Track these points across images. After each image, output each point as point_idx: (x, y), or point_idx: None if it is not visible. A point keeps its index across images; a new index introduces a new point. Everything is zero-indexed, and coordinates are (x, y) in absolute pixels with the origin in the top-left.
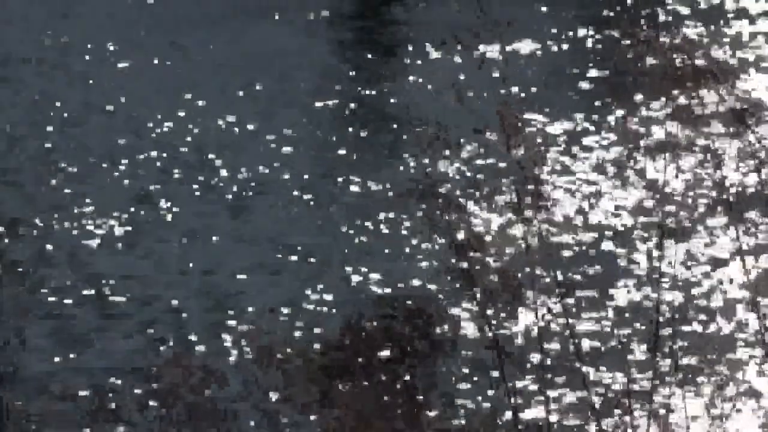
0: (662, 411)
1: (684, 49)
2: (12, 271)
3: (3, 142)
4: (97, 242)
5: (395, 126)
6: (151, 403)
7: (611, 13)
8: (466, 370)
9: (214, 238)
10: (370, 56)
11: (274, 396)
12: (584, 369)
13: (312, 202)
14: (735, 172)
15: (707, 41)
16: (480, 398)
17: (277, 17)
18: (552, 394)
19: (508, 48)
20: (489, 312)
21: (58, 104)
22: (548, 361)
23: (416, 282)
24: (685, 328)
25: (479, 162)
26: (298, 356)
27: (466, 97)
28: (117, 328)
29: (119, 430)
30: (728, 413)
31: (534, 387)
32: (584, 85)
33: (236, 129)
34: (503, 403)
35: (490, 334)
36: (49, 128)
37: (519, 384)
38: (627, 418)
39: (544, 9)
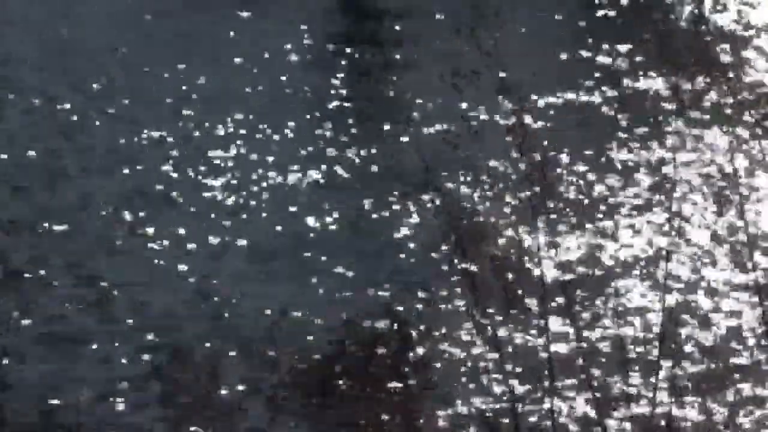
0: (667, 415)
1: (702, 43)
2: (10, 274)
3: (2, 143)
4: (97, 244)
5: (397, 125)
6: (151, 405)
7: (615, 13)
8: (466, 373)
9: (213, 239)
10: (369, 55)
11: (272, 398)
12: (589, 372)
13: (312, 203)
14: (746, 169)
15: (722, 37)
16: (481, 401)
17: (277, 17)
18: (555, 396)
19: (511, 43)
20: (491, 313)
21: (58, 105)
22: (552, 364)
23: (418, 283)
24: (691, 331)
25: (484, 161)
26: (297, 358)
27: (471, 94)
28: (116, 331)
29: None
30: (734, 418)
31: (537, 390)
32: (591, 82)
33: (237, 129)
34: (505, 407)
35: (491, 336)
36: (50, 129)
37: (522, 387)
38: (632, 423)
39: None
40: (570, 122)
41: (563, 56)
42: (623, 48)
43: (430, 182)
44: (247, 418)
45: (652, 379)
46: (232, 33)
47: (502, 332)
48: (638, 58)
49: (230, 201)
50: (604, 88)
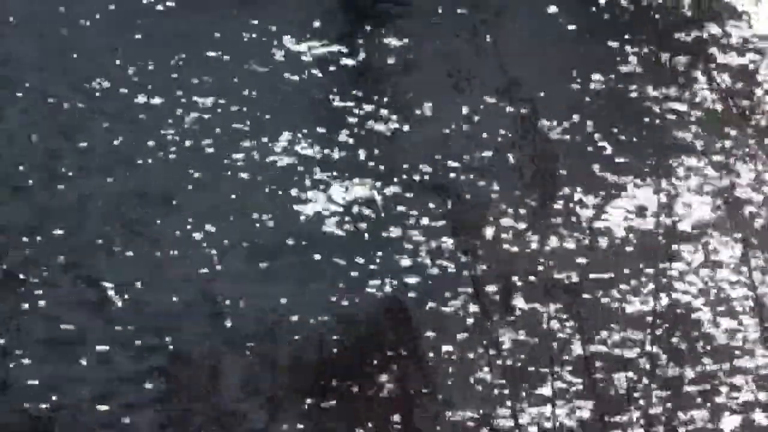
0: (669, 420)
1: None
2: (10, 275)
3: (2, 143)
4: (96, 246)
5: (399, 125)
6: (150, 406)
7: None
8: (467, 374)
9: (214, 239)
10: (370, 55)
11: (272, 398)
12: (592, 376)
13: (313, 202)
14: (746, 176)
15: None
16: (481, 404)
17: (277, 17)
18: (558, 399)
19: (511, 43)
20: (493, 314)
21: (58, 106)
22: (554, 366)
23: (418, 282)
24: (692, 333)
25: (487, 161)
26: (298, 358)
27: (472, 94)
28: (116, 331)
29: None
30: (735, 423)
31: (538, 393)
32: (598, 81)
33: (237, 129)
34: (505, 409)
35: (493, 338)
36: (50, 129)
37: (522, 389)
38: (633, 426)
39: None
40: (574, 121)
41: (565, 56)
42: (627, 46)
43: (433, 182)
44: (246, 419)
45: (653, 382)
46: (232, 33)
47: (503, 334)
48: (639, 56)
49: (230, 201)
50: (606, 87)
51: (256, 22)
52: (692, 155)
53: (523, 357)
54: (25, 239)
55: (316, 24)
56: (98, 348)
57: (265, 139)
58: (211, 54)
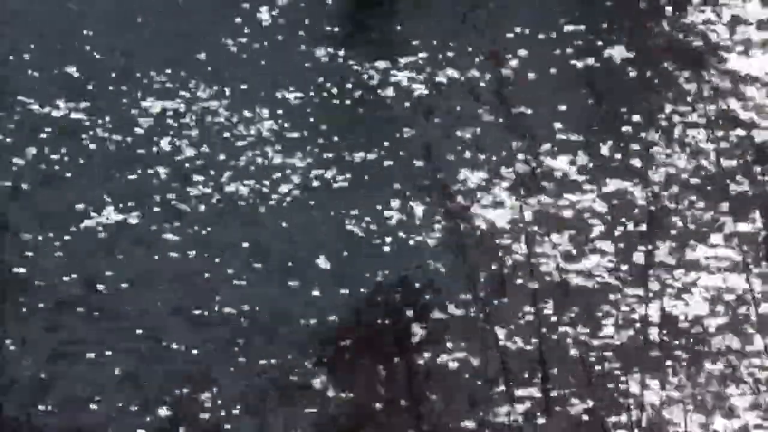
0: (663, 421)
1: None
2: (9, 275)
3: (2, 144)
4: (97, 244)
5: (399, 126)
6: (149, 407)
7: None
8: (463, 370)
9: (213, 240)
10: (371, 55)
11: (271, 398)
12: (588, 373)
13: (313, 204)
14: (733, 167)
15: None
16: (476, 401)
17: (277, 17)
18: (551, 400)
19: (511, 43)
20: (493, 315)
21: (58, 107)
22: (550, 365)
23: (415, 278)
24: (684, 334)
25: (487, 164)
26: (292, 355)
27: (472, 95)
28: (114, 332)
29: None
30: (728, 425)
31: (534, 390)
32: (594, 82)
33: (237, 130)
34: (502, 407)
35: (488, 332)
36: (49, 132)
37: (519, 387)
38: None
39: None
40: (576, 124)
41: (564, 55)
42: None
43: (434, 183)
44: (240, 421)
45: (648, 383)
46: (232, 33)
47: (502, 334)
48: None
49: (230, 203)
50: (605, 86)
51: (257, 22)
52: (686, 156)
53: (520, 357)
54: (25, 239)
55: (317, 25)
56: (97, 348)
57: (265, 141)
58: (211, 54)
